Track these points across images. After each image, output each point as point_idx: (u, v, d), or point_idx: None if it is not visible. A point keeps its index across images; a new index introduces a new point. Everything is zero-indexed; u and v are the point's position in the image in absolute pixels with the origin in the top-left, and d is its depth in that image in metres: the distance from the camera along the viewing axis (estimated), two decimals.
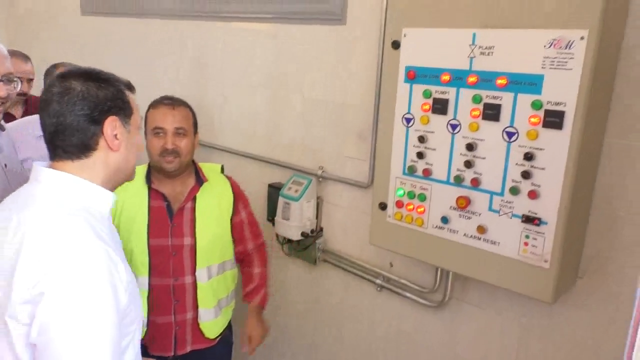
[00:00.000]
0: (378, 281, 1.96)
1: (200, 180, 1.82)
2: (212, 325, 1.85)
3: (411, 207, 1.60)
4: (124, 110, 1.17)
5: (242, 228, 1.90)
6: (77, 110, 1.11)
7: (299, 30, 2.06)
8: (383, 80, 1.62)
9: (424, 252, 1.61)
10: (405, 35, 1.52)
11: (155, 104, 1.78)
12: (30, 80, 2.59)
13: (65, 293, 0.98)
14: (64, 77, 1.14)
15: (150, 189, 1.77)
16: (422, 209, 1.57)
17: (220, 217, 1.84)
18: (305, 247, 2.14)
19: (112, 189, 1.21)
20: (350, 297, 2.11)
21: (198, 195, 1.80)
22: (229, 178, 1.93)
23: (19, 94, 2.13)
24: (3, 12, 3.52)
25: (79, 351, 0.98)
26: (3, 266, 1.03)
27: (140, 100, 1.81)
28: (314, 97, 2.05)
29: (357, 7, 1.87)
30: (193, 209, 1.78)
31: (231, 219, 1.87)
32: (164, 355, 1.79)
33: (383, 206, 1.67)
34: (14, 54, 2.22)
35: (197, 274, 1.78)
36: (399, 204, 1.62)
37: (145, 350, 1.77)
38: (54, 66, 2.22)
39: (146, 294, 1.75)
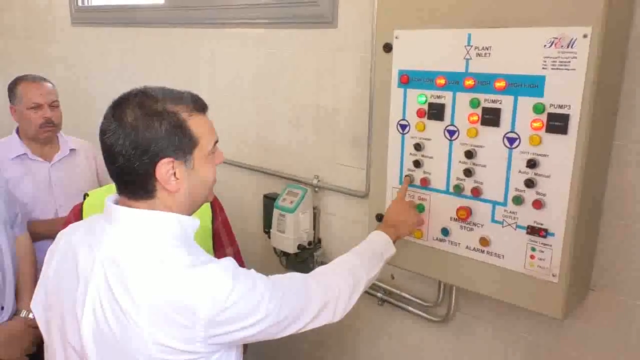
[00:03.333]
0: (379, 295, 1.87)
1: None
2: None
3: None
4: (181, 145, 1.01)
5: (220, 236, 1.77)
6: (126, 155, 0.99)
7: (289, 34, 1.98)
8: (376, 85, 1.54)
9: (425, 266, 1.52)
10: (397, 38, 1.44)
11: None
12: None
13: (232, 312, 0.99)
14: (118, 106, 1.02)
15: None
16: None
17: (204, 225, 1.70)
18: (303, 259, 2.06)
19: (191, 213, 1.11)
20: (351, 310, 2.01)
21: None
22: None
23: None
24: None
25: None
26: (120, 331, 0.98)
27: None
28: (307, 103, 1.98)
29: (347, 9, 1.79)
30: None
31: (212, 226, 1.74)
32: None
33: (380, 217, 1.58)
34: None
35: None
36: None
37: None
38: (15, 81, 2.10)
39: None
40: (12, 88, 2.09)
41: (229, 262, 1.04)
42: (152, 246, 1.02)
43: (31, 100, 2.03)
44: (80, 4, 2.92)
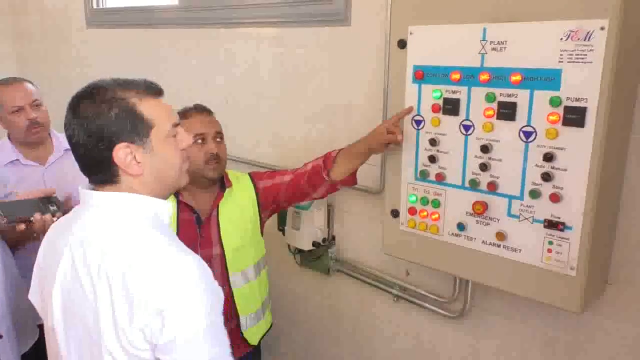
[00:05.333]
0: (394, 291, 1.88)
1: (223, 187, 1.73)
2: (255, 330, 1.75)
3: (425, 213, 1.51)
4: (135, 129, 1.03)
5: (271, 190, 1.75)
6: (84, 145, 1.03)
7: (303, 33, 2.00)
8: (390, 81, 1.54)
9: (440, 261, 1.52)
10: (411, 34, 1.44)
11: (187, 113, 1.70)
12: None
13: (182, 306, 0.98)
14: (73, 100, 1.06)
15: (178, 201, 1.70)
16: (436, 216, 1.49)
17: (245, 220, 1.73)
18: (318, 256, 2.07)
19: (166, 197, 1.13)
20: (366, 308, 2.03)
21: (221, 203, 1.71)
22: (250, 174, 1.81)
23: None
24: (9, 28, 3.53)
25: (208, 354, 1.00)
26: (94, 303, 1.01)
27: None
28: (321, 101, 1.99)
29: (361, 6, 1.80)
30: (217, 217, 1.70)
31: (259, 201, 1.75)
32: None
33: (395, 213, 1.59)
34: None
35: (231, 281, 1.68)
36: (412, 211, 1.54)
37: None
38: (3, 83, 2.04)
39: None
40: None
41: (199, 265, 1.04)
42: (119, 226, 1.05)
43: (11, 104, 1.94)
44: (95, 6, 2.96)
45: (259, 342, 1.82)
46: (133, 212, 1.06)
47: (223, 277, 1.68)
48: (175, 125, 1.11)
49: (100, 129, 1.01)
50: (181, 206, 1.70)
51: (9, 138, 2.05)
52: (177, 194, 1.71)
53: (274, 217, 2.11)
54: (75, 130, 1.03)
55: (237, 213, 1.73)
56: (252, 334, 1.76)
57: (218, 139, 1.69)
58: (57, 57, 3.33)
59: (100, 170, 1.06)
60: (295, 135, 2.11)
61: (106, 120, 1.01)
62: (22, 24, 3.52)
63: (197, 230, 1.69)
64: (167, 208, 1.13)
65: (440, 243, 1.50)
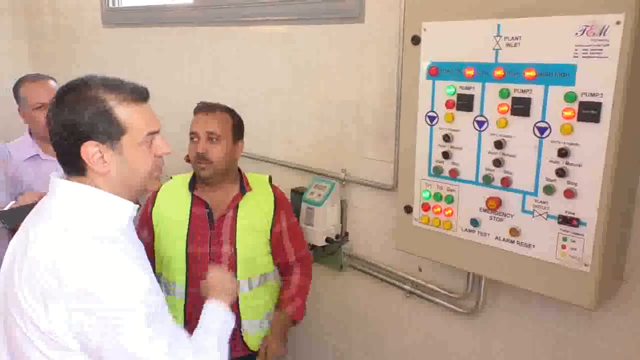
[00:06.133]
0: (406, 287, 1.89)
1: (243, 189, 1.77)
2: (255, 338, 1.76)
3: (438, 209, 1.52)
4: (107, 131, 1.06)
5: (280, 239, 1.81)
6: (58, 133, 1.07)
7: (316, 30, 2.01)
8: (404, 78, 1.55)
9: (453, 257, 1.53)
10: (425, 30, 1.45)
11: (194, 110, 1.76)
12: None
13: (104, 315, 1.00)
14: (62, 89, 1.09)
15: (193, 196, 1.75)
16: (449, 212, 1.49)
17: (261, 228, 1.77)
18: (331, 252, 2.08)
19: (130, 198, 1.15)
20: (378, 303, 2.04)
21: (240, 204, 1.75)
22: (274, 188, 1.85)
23: None
24: (24, 28, 3.58)
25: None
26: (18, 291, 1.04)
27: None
28: (333, 98, 2.00)
29: (375, 3, 1.81)
30: (234, 218, 1.73)
31: (271, 230, 1.78)
32: None
33: (408, 209, 1.60)
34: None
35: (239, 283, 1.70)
36: (425, 207, 1.55)
37: None
38: (18, 83, 2.10)
39: (183, 303, 1.71)
40: (16, 90, 2.07)
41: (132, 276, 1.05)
42: (65, 215, 1.07)
43: (35, 101, 2.02)
44: (111, 5, 3.00)
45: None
46: (88, 206, 1.08)
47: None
48: (152, 133, 1.12)
49: (74, 124, 1.05)
50: (195, 200, 1.73)
51: (30, 133, 2.10)
52: (192, 188, 1.74)
53: None
54: (53, 117, 1.07)
55: (256, 218, 1.77)
56: (253, 340, 1.76)
57: (212, 139, 1.70)
58: (71, 57, 3.38)
59: (69, 161, 1.09)
60: (307, 133, 2.12)
61: (81, 117, 1.04)
62: (36, 24, 3.57)
63: (208, 225, 1.72)
64: (129, 208, 1.14)
65: (454, 239, 1.50)
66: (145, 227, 1.80)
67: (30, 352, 1.03)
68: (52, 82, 2.10)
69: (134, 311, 1.01)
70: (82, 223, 1.06)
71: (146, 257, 1.18)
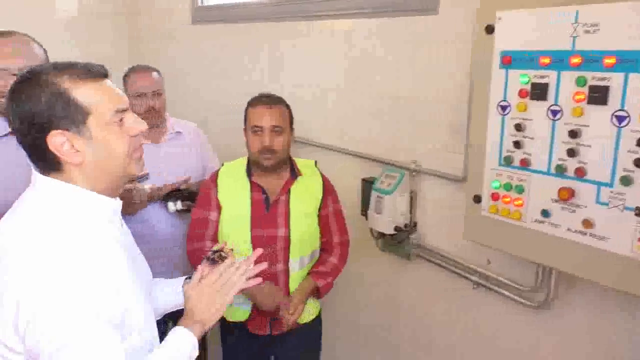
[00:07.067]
0: (474, 278, 1.88)
1: (295, 174, 1.90)
2: (304, 312, 1.93)
3: (508, 199, 1.51)
4: (68, 115, 0.98)
5: (327, 221, 1.96)
6: (19, 129, 0.99)
7: (389, 23, 2.04)
8: (476, 67, 1.56)
9: (522, 248, 1.51)
10: (499, 19, 1.45)
11: (253, 103, 1.87)
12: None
13: (49, 318, 0.92)
14: (13, 83, 1.01)
15: (251, 182, 1.87)
16: (519, 202, 1.48)
17: (311, 210, 1.91)
18: (399, 241, 2.11)
19: (113, 192, 1.10)
20: (444, 294, 2.05)
21: (292, 188, 1.88)
22: (321, 174, 1.99)
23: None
24: (124, 29, 3.89)
25: None
26: None
27: (244, 99, 1.89)
28: (405, 90, 2.02)
29: None
30: (287, 202, 1.87)
31: (319, 212, 1.92)
32: (261, 334, 1.93)
33: (477, 199, 1.60)
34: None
35: (290, 263, 1.86)
36: (495, 197, 1.55)
37: (246, 328, 1.92)
38: (127, 72, 2.27)
39: None
40: (125, 79, 2.26)
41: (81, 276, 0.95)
42: (33, 212, 1.01)
43: (135, 89, 2.17)
44: (199, 2, 3.21)
45: (312, 322, 1.99)
46: (61, 204, 1.02)
47: (284, 257, 1.84)
48: (121, 110, 1.05)
49: (31, 115, 0.97)
50: (253, 186, 1.85)
51: None
52: (249, 175, 1.85)
53: (358, 200, 2.20)
54: (11, 113, 1.00)
55: (307, 200, 1.90)
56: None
57: (276, 131, 1.80)
58: (164, 54, 3.63)
59: (40, 158, 1.02)
60: (380, 126, 2.16)
61: (37, 105, 0.97)
62: (134, 24, 3.87)
63: (265, 210, 1.84)
64: (108, 205, 1.08)
65: (523, 229, 1.49)
66: (214, 209, 1.89)
67: None
68: (154, 73, 2.26)
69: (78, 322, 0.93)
70: (51, 222, 0.99)
71: (138, 259, 1.19)
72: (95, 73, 1.03)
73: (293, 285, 1.89)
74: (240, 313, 1.92)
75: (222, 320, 1.99)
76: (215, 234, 1.89)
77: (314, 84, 2.44)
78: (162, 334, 1.20)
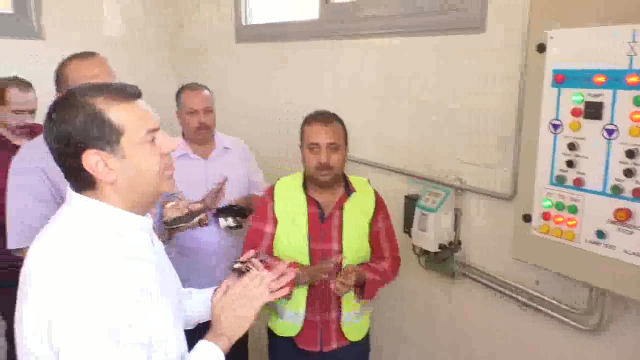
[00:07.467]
0: (521, 299, 1.84)
1: (349, 190, 1.93)
2: (354, 328, 1.94)
3: (560, 219, 1.49)
4: (103, 135, 1.01)
5: (378, 237, 1.97)
6: (56, 149, 1.03)
7: (437, 42, 2.05)
8: (527, 86, 1.55)
9: (575, 269, 1.48)
10: (551, 38, 1.44)
11: (310, 120, 1.92)
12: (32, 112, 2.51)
13: (69, 318, 0.96)
14: (51, 104, 1.05)
15: (307, 197, 1.91)
16: (572, 222, 1.46)
17: (363, 225, 1.93)
18: (443, 259, 2.10)
19: (144, 209, 1.13)
20: (490, 314, 2.01)
21: (346, 204, 1.90)
22: (374, 190, 2.01)
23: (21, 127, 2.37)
24: (168, 51, 4.02)
25: None
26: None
27: (298, 115, 1.93)
28: (453, 107, 2.02)
29: (496, 13, 1.82)
30: (340, 217, 1.90)
31: (370, 228, 1.93)
32: (311, 350, 1.93)
33: (527, 218, 1.58)
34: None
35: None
36: (546, 216, 1.52)
37: (295, 344, 1.94)
38: (180, 89, 2.39)
39: (305, 295, 1.88)
40: (178, 95, 2.39)
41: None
42: (69, 231, 1.04)
43: (189, 107, 2.29)
44: (244, 22, 3.30)
45: (362, 340, 1.98)
46: (92, 221, 1.05)
47: (337, 272, 1.83)
48: (152, 130, 1.08)
49: (68, 135, 1.01)
50: (309, 201, 1.89)
51: (182, 135, 2.41)
52: (305, 190, 1.89)
53: (400, 218, 2.19)
54: (48, 134, 1.03)
55: (359, 216, 1.92)
56: (350, 330, 1.92)
57: (332, 148, 1.84)
58: (210, 71, 3.74)
59: (75, 177, 1.06)
60: (427, 143, 2.16)
61: (73, 126, 1.00)
62: (179, 39, 4.00)
63: (319, 224, 1.87)
64: (139, 222, 1.11)
65: (576, 250, 1.46)
66: (270, 222, 1.93)
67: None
68: (205, 92, 2.38)
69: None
70: (84, 240, 1.03)
71: (167, 269, 1.21)
72: (128, 94, 1.07)
73: (346, 299, 1.88)
74: (291, 328, 1.93)
75: (271, 334, 2.01)
76: (270, 247, 1.92)
77: (359, 101, 2.47)
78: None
